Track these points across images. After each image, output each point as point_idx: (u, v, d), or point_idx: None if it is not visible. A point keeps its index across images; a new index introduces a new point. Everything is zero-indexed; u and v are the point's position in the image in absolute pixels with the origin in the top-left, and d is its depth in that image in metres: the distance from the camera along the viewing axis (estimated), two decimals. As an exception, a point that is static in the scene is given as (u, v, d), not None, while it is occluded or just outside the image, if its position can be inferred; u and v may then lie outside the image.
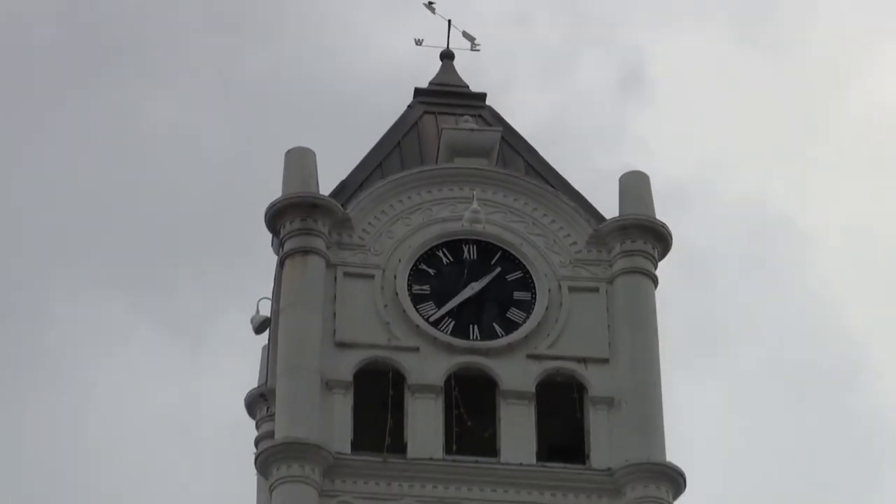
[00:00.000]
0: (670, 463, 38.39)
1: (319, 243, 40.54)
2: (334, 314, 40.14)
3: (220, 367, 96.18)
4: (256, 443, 44.25)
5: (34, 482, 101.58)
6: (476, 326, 40.31)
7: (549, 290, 40.84)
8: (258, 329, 45.31)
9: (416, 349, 39.72)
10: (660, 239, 41.83)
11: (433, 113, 45.94)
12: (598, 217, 42.34)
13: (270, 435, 40.56)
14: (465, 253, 41.37)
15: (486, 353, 39.85)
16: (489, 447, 38.85)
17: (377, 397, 39.28)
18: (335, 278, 40.64)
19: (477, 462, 38.50)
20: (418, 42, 48.65)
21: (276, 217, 41.32)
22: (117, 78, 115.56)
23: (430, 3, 48.24)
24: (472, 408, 39.17)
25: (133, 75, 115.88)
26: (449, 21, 48.25)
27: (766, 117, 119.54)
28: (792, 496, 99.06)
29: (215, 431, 70.56)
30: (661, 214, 42.35)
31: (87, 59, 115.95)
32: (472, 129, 43.94)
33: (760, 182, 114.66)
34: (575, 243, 41.80)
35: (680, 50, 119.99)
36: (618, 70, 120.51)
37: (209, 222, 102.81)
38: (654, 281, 41.54)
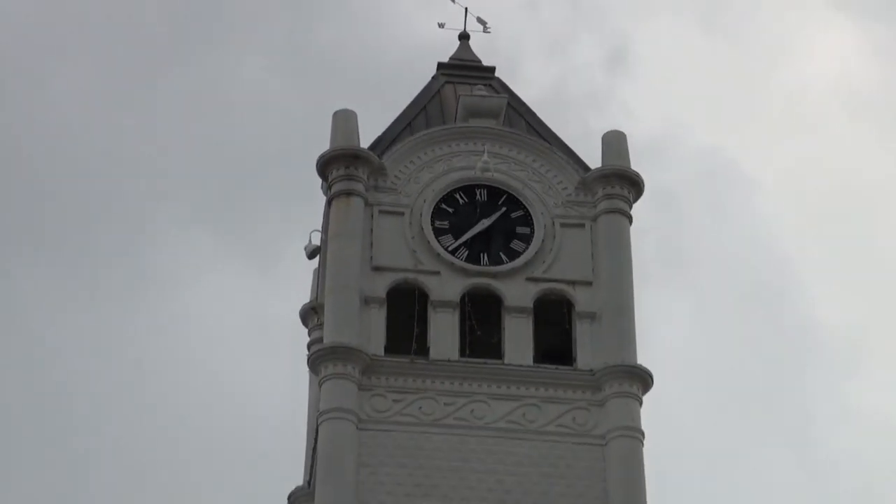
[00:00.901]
0: (640, 365, 39.04)
1: (360, 187, 41.05)
2: (371, 244, 40.56)
3: (282, 287, 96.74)
4: (309, 347, 44.70)
5: (144, 381, 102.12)
6: (486, 254, 40.72)
7: (545, 226, 41.23)
8: (310, 256, 45.93)
9: (437, 273, 40.21)
10: (634, 185, 42.23)
11: (452, 83, 46.08)
12: (584, 167, 42.66)
13: (319, 340, 41.25)
14: (478, 195, 41.73)
15: (494, 276, 40.39)
16: (495, 351, 39.52)
17: (405, 311, 39.79)
18: (372, 215, 41.05)
19: (485, 363, 39.12)
20: (441, 25, 48.87)
21: (325, 166, 41.70)
22: (212, 46, 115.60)
23: None
24: (481, 320, 39.89)
25: (223, 45, 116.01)
26: (466, 9, 48.45)
27: (721, 86, 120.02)
28: (738, 390, 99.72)
29: (279, 337, 70.96)
30: (636, 164, 42.78)
31: (190, 30, 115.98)
32: (483, 96, 44.28)
33: (716, 138, 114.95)
34: (566, 188, 42.15)
35: (656, 33, 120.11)
36: (606, 49, 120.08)
37: (274, 170, 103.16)
38: (630, 219, 41.94)
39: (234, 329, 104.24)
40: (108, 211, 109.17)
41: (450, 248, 40.60)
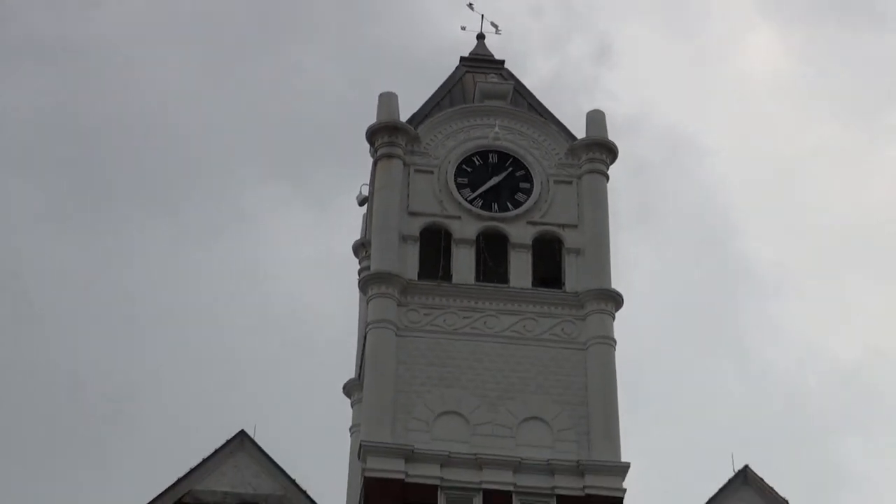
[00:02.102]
0: (613, 289, 39.23)
1: (399, 151, 41.19)
2: (408, 195, 40.67)
3: (339, 227, 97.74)
4: (359, 273, 44.75)
5: (236, 299, 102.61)
6: (496, 204, 40.79)
7: (542, 182, 41.33)
8: (361, 203, 46.33)
9: (458, 217, 40.36)
10: (610, 152, 42.23)
11: (471, 72, 45.93)
12: (572, 137, 42.56)
13: (367, 268, 41.48)
14: (490, 158, 41.72)
15: (502, 220, 40.48)
16: (503, 277, 39.64)
17: (434, 246, 40.02)
18: (408, 173, 41.12)
19: (495, 286, 39.26)
20: (463, 28, 48.86)
21: (372, 135, 41.80)
22: (285, 40, 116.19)
23: (470, 4, 48.57)
24: (492, 253, 40.05)
25: (293, 40, 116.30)
26: (482, 15, 48.58)
27: (681, 76, 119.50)
28: (688, 310, 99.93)
29: (337, 265, 71.63)
30: (614, 136, 42.69)
31: (269, 28, 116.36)
32: (495, 83, 44.20)
33: (678, 116, 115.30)
34: (558, 153, 42.15)
35: (632, 35, 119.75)
36: (593, 47, 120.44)
37: (333, 137, 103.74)
38: (607, 177, 41.95)
39: (302, 260, 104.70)
40: (206, 171, 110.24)
41: (468, 199, 40.69)
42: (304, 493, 33.51)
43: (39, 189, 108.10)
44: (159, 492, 33.33)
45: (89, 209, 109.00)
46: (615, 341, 38.47)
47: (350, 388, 44.17)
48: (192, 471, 33.57)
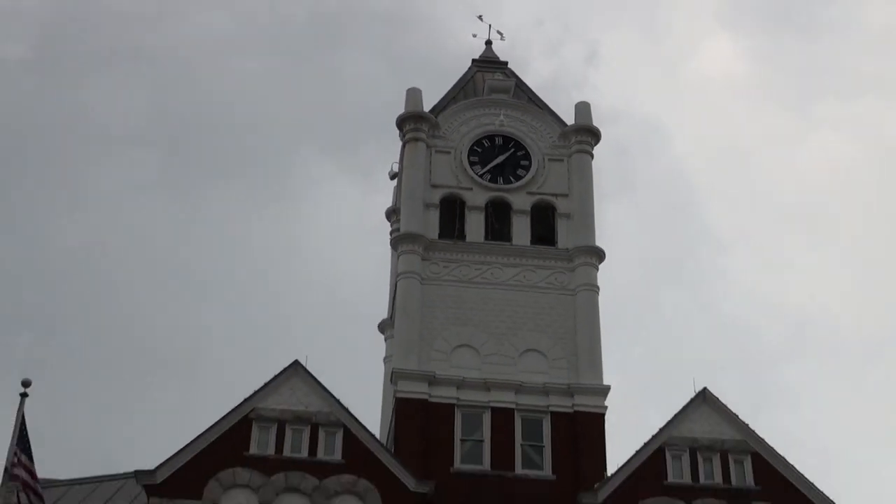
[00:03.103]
0: (597, 245, 39.12)
1: (423, 135, 41.03)
2: (430, 171, 40.51)
3: (374, 196, 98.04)
4: (391, 234, 44.80)
5: (287, 261, 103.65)
6: (501, 177, 40.65)
7: (538, 160, 41.10)
8: (392, 178, 46.15)
9: (471, 188, 40.24)
10: (595, 135, 41.92)
11: (481, 72, 45.71)
12: (563, 124, 42.22)
13: (397, 230, 41.25)
14: (496, 141, 41.49)
15: (506, 191, 40.32)
16: (507, 237, 39.49)
17: (452, 212, 39.85)
18: (430, 153, 40.91)
19: (500, 244, 39.12)
20: (474, 36, 48.65)
21: (401, 122, 41.63)
22: (336, 46, 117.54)
23: (480, 16, 48.37)
24: (498, 217, 39.92)
25: (341, 46, 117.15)
26: (489, 25, 48.51)
27: (653, 75, 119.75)
28: (657, 264, 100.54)
29: (373, 228, 72.59)
30: (599, 123, 42.49)
31: (325, 35, 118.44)
32: (499, 80, 43.91)
33: (652, 107, 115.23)
34: (552, 137, 41.82)
35: (615, 42, 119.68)
36: (583, 52, 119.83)
37: (370, 122, 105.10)
38: (592, 156, 41.59)
39: (345, 223, 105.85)
40: (271, 152, 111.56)
41: (479, 174, 40.52)
42: (347, 410, 33.49)
43: (136, 164, 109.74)
44: (230, 409, 33.38)
45: (180, 182, 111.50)
46: (598, 288, 38.40)
47: (383, 327, 44.30)
48: (255, 393, 33.60)
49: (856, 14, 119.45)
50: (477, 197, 39.99)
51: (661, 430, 34.56)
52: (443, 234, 39.11)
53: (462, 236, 39.12)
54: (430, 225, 39.14)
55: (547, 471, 34.83)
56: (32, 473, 21.64)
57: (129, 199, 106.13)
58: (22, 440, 21.81)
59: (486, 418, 35.52)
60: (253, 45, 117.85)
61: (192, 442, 32.79)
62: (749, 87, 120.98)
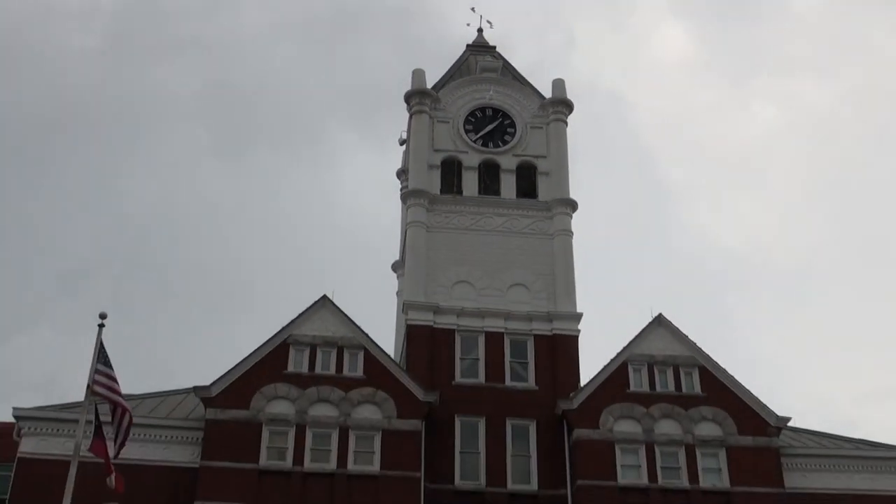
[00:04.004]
0: (571, 198, 38.76)
1: (426, 108, 40.53)
2: (432, 137, 40.03)
3: (386, 158, 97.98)
4: (400, 190, 44.33)
5: (317, 214, 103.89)
6: (491, 142, 40.22)
7: (522, 128, 40.63)
8: (401, 143, 45.61)
9: (466, 152, 39.81)
10: (569, 106, 41.37)
11: (474, 55, 45.04)
12: (542, 97, 41.65)
13: (406, 186, 41.01)
14: (487, 112, 40.98)
15: (496, 153, 39.90)
16: (496, 191, 39.10)
17: (451, 171, 39.38)
18: (433, 123, 40.41)
19: (491, 197, 38.74)
20: (468, 24, 47.84)
21: (408, 97, 41.08)
22: (358, 39, 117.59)
23: (472, 8, 47.61)
24: (489, 175, 39.46)
25: (364, 38, 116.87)
26: (481, 16, 47.63)
27: (619, 62, 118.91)
28: (621, 218, 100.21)
29: (386, 185, 72.93)
30: (571, 96, 41.72)
31: (340, 28, 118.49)
32: (489, 61, 43.31)
33: (617, 82, 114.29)
34: (532, 108, 41.31)
35: (587, 30, 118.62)
36: (561, 37, 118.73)
37: (384, 97, 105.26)
38: (566, 124, 41.04)
39: (364, 181, 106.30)
40: (305, 123, 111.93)
41: (473, 140, 40.07)
42: (367, 335, 33.53)
43: (194, 133, 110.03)
44: (270, 336, 33.45)
45: (230, 148, 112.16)
46: (572, 232, 38.18)
47: (396, 266, 44.05)
48: (291, 322, 33.60)
49: (787, 3, 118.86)
50: (471, 159, 39.59)
51: (624, 348, 34.66)
52: (444, 189, 38.75)
53: (460, 191, 38.76)
54: (433, 182, 38.79)
55: (531, 382, 34.91)
56: (114, 389, 21.60)
57: (190, 162, 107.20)
58: (103, 362, 21.75)
59: (481, 341, 35.50)
60: (289, 35, 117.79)
61: (240, 362, 32.90)
62: (696, 66, 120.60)
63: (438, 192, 38.54)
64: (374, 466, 31.50)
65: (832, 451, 34.31)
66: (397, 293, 43.34)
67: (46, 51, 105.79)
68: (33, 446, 31.42)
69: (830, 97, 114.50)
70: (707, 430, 33.34)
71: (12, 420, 31.99)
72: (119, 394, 21.66)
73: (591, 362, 35.80)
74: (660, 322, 35.20)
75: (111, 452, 21.37)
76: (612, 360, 34.31)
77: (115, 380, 21.77)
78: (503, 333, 35.63)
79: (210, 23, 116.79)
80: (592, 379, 33.93)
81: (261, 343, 33.31)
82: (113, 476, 21.22)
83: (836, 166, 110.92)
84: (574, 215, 38.64)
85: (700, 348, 34.83)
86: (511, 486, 32.86)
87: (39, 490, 29.67)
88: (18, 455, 31.42)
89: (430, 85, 41.64)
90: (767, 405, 33.88)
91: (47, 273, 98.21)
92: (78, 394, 27.04)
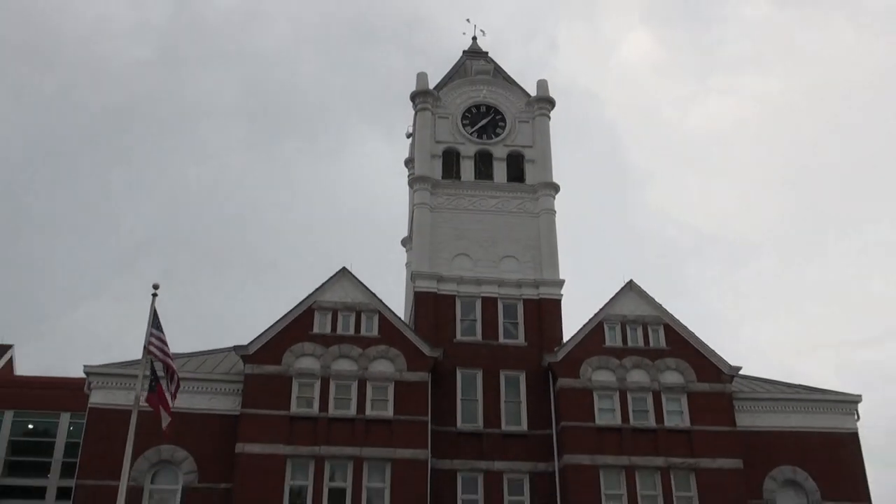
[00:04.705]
0: (554, 181, 38.60)
1: (429, 106, 40.35)
2: (435, 131, 39.84)
3: (396, 149, 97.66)
4: (408, 176, 44.08)
5: (338, 197, 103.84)
6: (485, 135, 40.00)
7: (511, 122, 40.44)
8: (407, 136, 45.34)
9: (464, 143, 39.60)
10: (551, 102, 41.16)
11: (470, 59, 44.64)
12: (528, 95, 41.41)
13: (412, 173, 40.56)
14: (481, 108, 40.77)
15: (489, 144, 39.69)
16: (490, 177, 38.91)
17: (451, 160, 39.20)
18: (435, 118, 40.19)
19: (485, 182, 38.57)
20: (464, 33, 47.87)
21: (413, 96, 40.87)
22: (368, 45, 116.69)
23: (468, 19, 48.13)
24: (483, 162, 39.27)
25: (380, 43, 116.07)
26: (475, 26, 47.34)
27: (594, 58, 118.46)
28: (594, 195, 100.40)
29: (395, 172, 73.66)
30: (553, 94, 41.37)
31: (358, 39, 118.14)
32: (483, 64, 43.11)
33: (594, 83, 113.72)
34: (520, 104, 41.10)
35: (568, 34, 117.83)
36: (545, 42, 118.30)
37: (393, 96, 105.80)
38: (549, 118, 40.82)
39: (377, 169, 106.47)
40: (321, 115, 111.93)
41: (469, 132, 39.87)
42: (380, 300, 33.61)
43: (232, 128, 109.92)
44: (298, 302, 33.56)
45: (262, 140, 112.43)
46: (555, 211, 38.10)
47: (404, 242, 44.11)
48: (315, 290, 33.69)
49: (738, 11, 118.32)
50: (468, 149, 39.44)
51: (601, 310, 34.78)
52: (445, 175, 38.65)
53: (458, 177, 38.67)
54: (436, 169, 38.68)
55: (521, 340, 35.05)
56: (165, 351, 21.79)
57: (229, 152, 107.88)
58: (156, 326, 21.92)
59: (478, 304, 35.58)
60: (311, 43, 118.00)
61: (273, 325, 33.06)
62: (660, 65, 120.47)
63: (440, 178, 38.42)
64: (388, 412, 31.76)
65: (775, 395, 34.61)
66: (406, 265, 43.35)
67: (110, 61, 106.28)
68: (101, 398, 31.70)
69: (774, 91, 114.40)
70: (671, 378, 33.58)
71: (83, 376, 32.32)
72: (168, 355, 21.84)
73: (572, 322, 35.93)
74: (631, 287, 35.30)
75: (170, 401, 21.62)
76: (590, 320, 34.47)
77: (165, 342, 21.94)
78: (497, 298, 35.71)
79: (245, 36, 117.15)
80: (573, 336, 34.10)
81: (290, 308, 33.46)
82: (167, 420, 21.42)
83: (779, 152, 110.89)
84: (556, 196, 38.54)
85: (665, 309, 34.97)
86: (504, 427, 33.15)
87: (107, 434, 30.06)
88: (89, 405, 31.78)
89: (431, 86, 41.42)
90: (721, 356, 34.11)
91: (110, 250, 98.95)
92: (137, 353, 27.34)
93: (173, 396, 21.87)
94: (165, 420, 21.24)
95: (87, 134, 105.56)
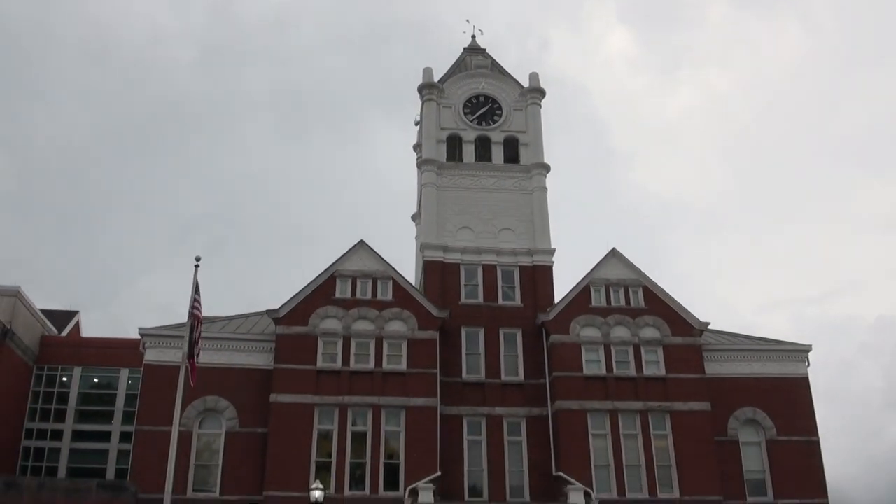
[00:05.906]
0: (545, 162, 38.29)
1: (434, 97, 39.93)
2: (439, 119, 39.46)
3: (405, 135, 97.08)
4: (416, 159, 43.33)
5: (357, 179, 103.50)
6: (484, 122, 39.60)
7: (507, 110, 40.01)
8: (416, 124, 44.92)
9: (465, 129, 39.26)
10: (542, 93, 40.64)
11: (470, 55, 44.12)
12: (522, 86, 40.91)
13: (420, 156, 40.10)
14: (480, 98, 40.29)
15: (488, 130, 39.32)
16: (489, 159, 38.58)
17: (454, 144, 38.87)
18: (440, 108, 39.77)
19: (485, 163, 38.23)
20: (464, 32, 47.39)
21: (421, 88, 40.38)
22: (382, 44, 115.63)
23: (468, 20, 47.37)
24: (483, 147, 38.95)
25: (392, 40, 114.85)
26: (474, 25, 47.60)
27: (581, 56, 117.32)
28: (586, 175, 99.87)
29: (405, 156, 72.96)
30: (544, 85, 40.90)
31: (373, 39, 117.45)
32: (481, 59, 42.64)
33: (580, 76, 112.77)
34: (515, 95, 40.61)
35: (560, 34, 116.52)
36: (538, 41, 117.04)
37: (404, 89, 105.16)
38: (541, 107, 40.36)
39: (390, 154, 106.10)
40: (346, 111, 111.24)
41: (470, 120, 39.48)
42: (394, 269, 33.67)
43: (264, 121, 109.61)
44: (322, 271, 33.66)
45: (291, 132, 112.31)
46: (547, 188, 37.89)
47: (414, 217, 44.11)
48: (337, 260, 33.75)
49: (703, 13, 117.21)
50: (469, 134, 39.13)
51: (587, 274, 34.80)
52: (449, 158, 38.41)
53: (461, 159, 38.43)
54: (441, 153, 38.43)
55: (517, 301, 35.09)
56: (198, 309, 21.82)
57: (263, 142, 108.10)
58: (196, 291, 21.98)
59: (479, 271, 35.58)
60: (332, 44, 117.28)
61: (300, 291, 33.24)
62: (637, 61, 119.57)
63: (445, 161, 38.21)
64: (402, 366, 31.99)
65: (738, 346, 34.77)
66: (416, 237, 43.36)
67: (161, 62, 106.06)
68: (154, 356, 32.06)
69: (729, 83, 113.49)
70: (649, 333, 33.66)
71: (139, 337, 32.66)
72: (200, 312, 21.66)
73: (563, 285, 36.08)
74: (613, 254, 35.23)
75: (195, 352, 21.40)
76: (578, 283, 34.48)
77: (198, 302, 21.76)
78: (496, 265, 35.70)
79: (276, 37, 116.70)
80: (563, 297, 34.17)
81: (315, 276, 33.56)
82: (191, 371, 21.29)
83: (735, 135, 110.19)
84: (548, 175, 38.34)
85: (643, 272, 34.93)
86: (504, 377, 33.38)
87: (160, 387, 30.48)
88: (144, 363, 32.20)
89: (436, 79, 40.99)
90: (693, 314, 34.15)
91: (162, 229, 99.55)
92: (184, 317, 27.50)
93: (197, 353, 21.40)
94: (189, 369, 21.13)
95: (146, 126, 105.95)
